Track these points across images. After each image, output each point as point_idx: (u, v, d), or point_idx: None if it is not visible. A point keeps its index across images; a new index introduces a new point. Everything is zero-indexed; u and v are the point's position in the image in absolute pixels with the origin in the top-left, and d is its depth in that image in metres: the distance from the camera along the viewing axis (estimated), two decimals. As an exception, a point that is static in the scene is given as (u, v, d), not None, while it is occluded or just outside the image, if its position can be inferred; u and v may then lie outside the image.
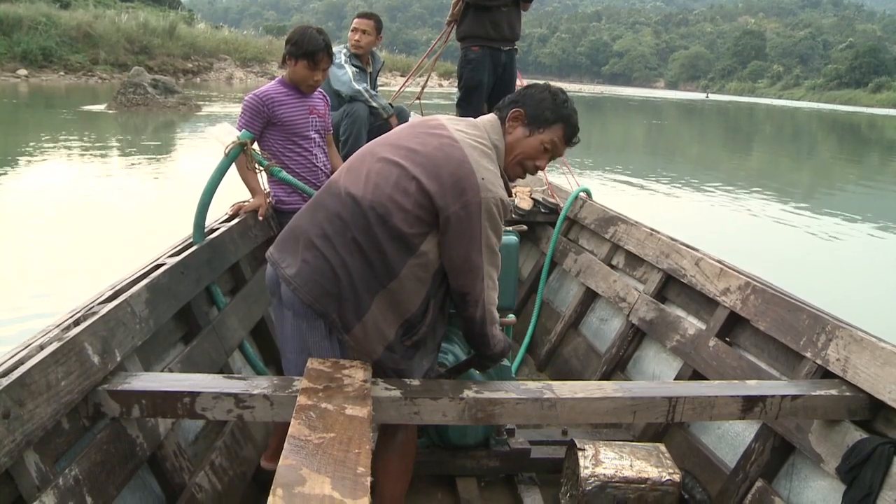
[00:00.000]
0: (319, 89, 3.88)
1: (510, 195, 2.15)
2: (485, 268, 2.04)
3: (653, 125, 37.63)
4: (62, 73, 32.14)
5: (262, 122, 3.59)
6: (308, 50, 3.49)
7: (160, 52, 36.48)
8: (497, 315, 2.17)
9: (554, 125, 2.21)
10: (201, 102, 23.91)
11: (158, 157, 13.52)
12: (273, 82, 3.71)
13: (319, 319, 2.03)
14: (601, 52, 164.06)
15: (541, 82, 2.35)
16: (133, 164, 12.46)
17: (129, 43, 35.10)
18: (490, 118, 2.24)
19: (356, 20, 4.94)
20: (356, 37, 4.88)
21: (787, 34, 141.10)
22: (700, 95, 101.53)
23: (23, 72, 30.55)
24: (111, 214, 8.71)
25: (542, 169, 2.33)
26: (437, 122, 2.17)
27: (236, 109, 22.56)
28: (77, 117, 18.83)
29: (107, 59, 33.27)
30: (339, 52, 4.78)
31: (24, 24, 31.73)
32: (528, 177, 5.57)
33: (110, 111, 20.28)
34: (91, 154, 13.12)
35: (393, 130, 2.29)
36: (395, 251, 1.98)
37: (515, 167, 2.24)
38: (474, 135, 2.12)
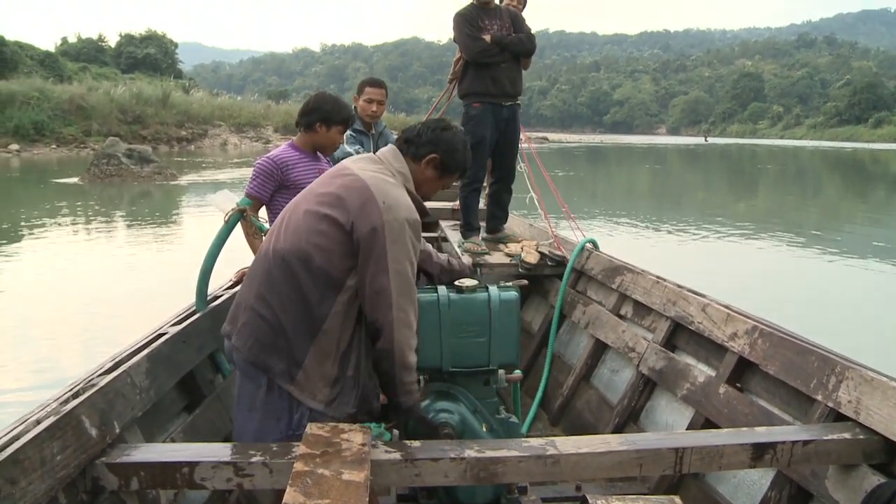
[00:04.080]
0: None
1: (424, 214, 2.30)
2: (394, 296, 2.11)
3: (657, 170, 37.82)
4: (54, 146, 32.76)
5: (274, 186, 3.61)
6: (345, 117, 3.66)
7: (153, 120, 37.22)
8: (413, 361, 2.23)
9: (457, 171, 2.46)
10: (179, 171, 23.82)
11: (139, 229, 13.37)
12: (283, 146, 3.76)
13: (263, 375, 2.12)
14: (602, 101, 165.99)
15: (454, 126, 2.51)
16: (113, 238, 12.43)
17: (121, 113, 35.80)
18: (389, 149, 2.41)
19: (370, 90, 4.86)
20: (373, 108, 4.85)
21: (785, 75, 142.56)
22: (701, 139, 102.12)
23: (14, 146, 31.11)
24: (100, 292, 8.62)
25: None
26: (341, 167, 2.33)
27: (216, 176, 22.67)
28: (46, 191, 18.73)
29: (99, 130, 33.73)
30: None
31: (16, 99, 32.56)
32: (534, 230, 5.63)
33: (82, 183, 20.18)
34: (62, 230, 12.90)
35: (309, 185, 2.43)
36: (324, 292, 2.09)
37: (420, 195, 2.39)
38: (375, 168, 2.27)
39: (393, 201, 2.13)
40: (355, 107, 4.95)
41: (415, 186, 2.34)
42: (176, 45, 61.63)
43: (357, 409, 2.20)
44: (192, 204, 17.47)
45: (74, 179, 20.79)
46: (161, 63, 56.81)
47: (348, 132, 4.83)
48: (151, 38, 58.63)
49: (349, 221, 2.09)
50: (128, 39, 58.04)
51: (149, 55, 56.26)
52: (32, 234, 12.34)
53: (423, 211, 2.28)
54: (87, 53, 53.72)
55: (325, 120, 3.63)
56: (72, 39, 57.41)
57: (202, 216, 14.59)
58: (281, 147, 3.77)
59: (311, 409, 2.12)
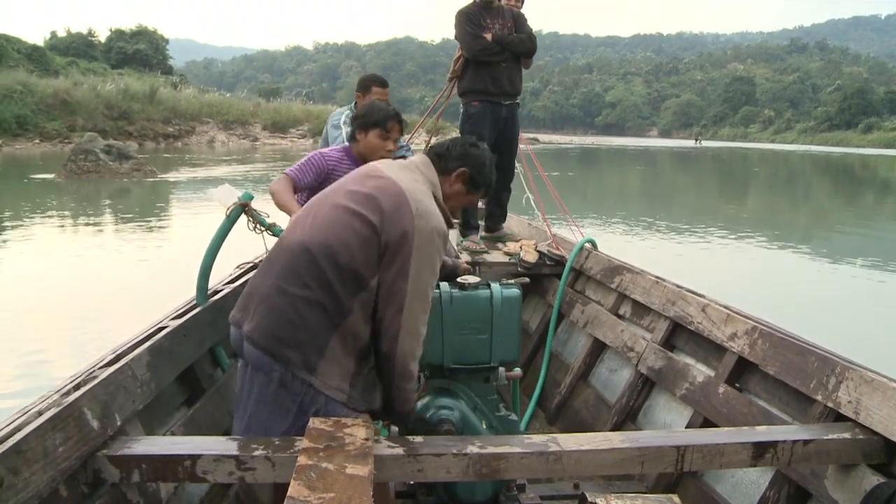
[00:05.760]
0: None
1: (450, 226, 2.32)
2: (408, 300, 2.09)
3: (650, 172, 37.90)
4: (37, 140, 32.25)
5: (316, 178, 3.55)
6: (379, 119, 3.49)
7: (140, 116, 36.81)
8: (414, 370, 2.17)
9: (483, 187, 2.49)
10: (164, 168, 23.46)
11: (119, 226, 13.10)
12: (340, 147, 3.71)
13: (278, 367, 2.05)
14: (594, 103, 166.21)
15: (481, 143, 2.52)
16: (94, 234, 12.22)
17: (107, 109, 35.38)
18: (422, 159, 2.42)
19: (378, 90, 4.76)
20: None
21: (777, 79, 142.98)
22: (692, 142, 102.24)
23: (-4, 140, 30.48)
24: (84, 288, 8.44)
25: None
26: (374, 168, 2.33)
27: (198, 173, 22.43)
28: (23, 187, 18.36)
29: (84, 125, 32.94)
30: (342, 113, 4.79)
31: (-1, 92, 31.77)
32: (532, 230, 5.65)
33: (59, 179, 19.81)
34: (37, 227, 12.50)
35: (337, 181, 2.42)
36: (347, 289, 2.06)
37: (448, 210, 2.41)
38: (408, 175, 2.27)
39: (425, 210, 2.13)
40: (357, 103, 4.93)
41: (443, 199, 2.34)
42: (167, 41, 61.17)
43: (369, 407, 2.17)
44: (172, 201, 17.32)
45: (51, 175, 20.39)
46: (151, 59, 56.48)
47: (348, 129, 4.81)
48: (142, 34, 58.23)
49: (380, 223, 2.07)
50: (118, 35, 57.60)
51: (139, 51, 55.91)
52: (5, 231, 12.09)
53: (449, 222, 2.30)
54: (77, 48, 53.38)
55: (360, 126, 3.54)
56: (61, 34, 57.13)
57: (183, 214, 14.57)
58: (338, 147, 3.73)
59: (328, 402, 2.06)
